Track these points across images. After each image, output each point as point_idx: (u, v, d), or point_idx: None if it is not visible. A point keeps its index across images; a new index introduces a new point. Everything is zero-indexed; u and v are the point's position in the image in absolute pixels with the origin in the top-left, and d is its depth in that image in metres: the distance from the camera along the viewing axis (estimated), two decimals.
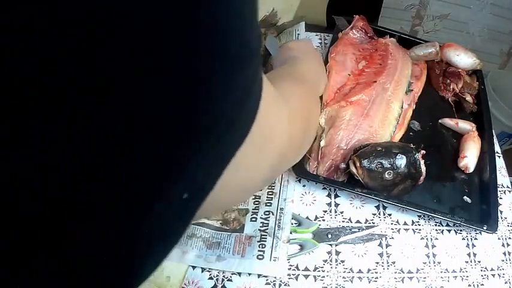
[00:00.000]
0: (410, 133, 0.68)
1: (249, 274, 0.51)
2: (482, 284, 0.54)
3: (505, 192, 0.64)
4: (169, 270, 0.51)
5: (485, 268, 0.55)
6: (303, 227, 0.56)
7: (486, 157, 0.65)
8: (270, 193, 0.58)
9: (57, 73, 0.14)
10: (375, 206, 0.59)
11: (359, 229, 0.56)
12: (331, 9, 0.97)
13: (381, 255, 0.55)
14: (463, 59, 0.76)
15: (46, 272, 0.17)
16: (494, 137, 0.69)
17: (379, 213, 0.59)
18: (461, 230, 0.58)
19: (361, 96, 0.66)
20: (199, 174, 0.20)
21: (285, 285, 0.51)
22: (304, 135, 0.40)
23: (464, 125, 0.69)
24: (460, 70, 0.76)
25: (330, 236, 0.55)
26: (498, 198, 0.60)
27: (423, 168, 0.57)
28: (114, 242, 0.19)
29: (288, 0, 0.91)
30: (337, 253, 0.54)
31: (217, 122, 0.19)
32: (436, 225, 0.59)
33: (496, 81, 1.35)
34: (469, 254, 0.56)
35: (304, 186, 0.60)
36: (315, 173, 0.59)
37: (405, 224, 0.58)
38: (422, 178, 0.57)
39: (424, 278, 0.53)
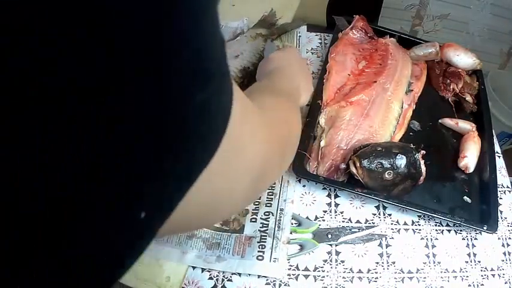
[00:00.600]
0: (410, 133, 0.68)
1: (249, 274, 0.51)
2: (482, 284, 0.54)
3: (505, 192, 0.64)
4: (169, 270, 0.51)
5: (485, 268, 0.55)
6: (303, 227, 0.56)
7: (486, 157, 0.65)
8: (270, 194, 0.58)
9: (57, 73, 0.14)
10: (375, 206, 0.59)
11: (359, 229, 0.56)
12: (331, 9, 0.97)
13: (380, 255, 0.55)
14: (463, 59, 0.76)
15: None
16: (494, 137, 0.70)
17: (379, 213, 0.59)
18: (461, 230, 0.58)
19: (361, 96, 0.66)
20: (159, 193, 0.19)
21: (285, 285, 0.51)
22: (286, 149, 0.39)
23: (464, 125, 0.69)
24: (460, 70, 0.76)
25: (330, 236, 0.55)
26: (498, 198, 0.60)
27: (423, 168, 0.57)
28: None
29: (288, 0, 0.91)
30: (337, 253, 0.54)
31: (176, 141, 0.18)
32: (436, 225, 0.59)
33: (496, 81, 1.35)
34: (469, 254, 0.56)
35: (304, 186, 0.60)
36: (315, 173, 0.59)
37: (405, 224, 0.58)
38: (422, 178, 0.57)
39: (424, 278, 0.53)
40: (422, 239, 0.57)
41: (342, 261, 0.54)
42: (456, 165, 0.65)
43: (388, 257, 0.55)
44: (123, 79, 0.15)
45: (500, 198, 0.62)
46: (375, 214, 0.59)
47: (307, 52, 0.80)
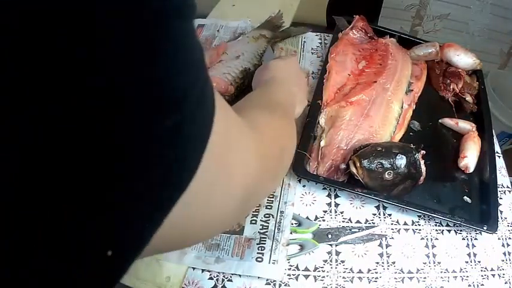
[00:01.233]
0: (410, 133, 0.68)
1: (249, 275, 0.51)
2: (482, 284, 0.54)
3: (505, 192, 0.64)
4: (169, 271, 0.51)
5: (485, 268, 0.55)
6: (303, 227, 0.56)
7: (486, 157, 0.65)
8: (270, 196, 0.58)
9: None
10: (375, 206, 0.59)
11: (359, 229, 0.56)
12: (331, 9, 0.97)
13: (381, 255, 0.55)
14: (463, 59, 0.76)
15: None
16: (494, 137, 0.70)
17: (379, 213, 0.59)
18: (461, 230, 0.58)
19: (361, 97, 0.66)
20: (129, 226, 0.19)
21: (285, 285, 0.51)
22: (278, 165, 0.39)
23: (464, 125, 0.69)
24: (460, 70, 0.76)
25: (330, 236, 0.55)
26: (498, 198, 0.60)
27: (423, 168, 0.57)
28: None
29: (288, 0, 0.91)
30: (337, 253, 0.54)
31: (146, 168, 0.18)
32: (436, 225, 0.59)
33: (496, 81, 1.35)
34: (469, 254, 0.56)
35: (304, 186, 0.60)
36: (315, 173, 0.59)
37: (405, 224, 0.58)
38: (422, 178, 0.57)
39: (424, 278, 0.53)
40: (422, 239, 0.57)
41: (342, 261, 0.54)
42: (456, 165, 0.65)
43: (388, 257, 0.55)
44: (86, 107, 0.16)
45: (500, 198, 0.62)
46: (375, 214, 0.59)
47: (307, 52, 0.81)
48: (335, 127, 0.63)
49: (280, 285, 0.51)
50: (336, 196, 0.60)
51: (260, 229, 0.55)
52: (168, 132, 0.18)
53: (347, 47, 0.76)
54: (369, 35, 0.80)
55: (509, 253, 0.57)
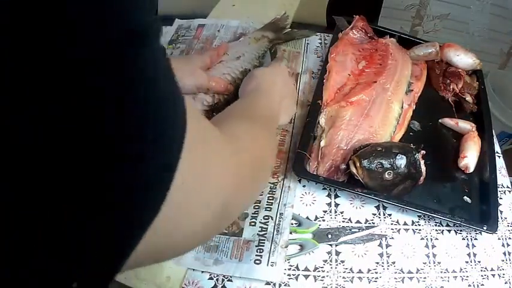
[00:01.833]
0: (410, 133, 0.68)
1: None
2: (482, 284, 0.54)
3: (505, 192, 0.64)
4: (169, 270, 0.51)
5: (485, 268, 0.55)
6: (303, 227, 0.56)
7: (486, 157, 0.65)
8: (270, 198, 0.58)
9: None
10: (375, 206, 0.59)
11: (359, 229, 0.56)
12: (331, 9, 0.97)
13: (381, 255, 0.55)
14: (463, 59, 0.76)
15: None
16: (494, 137, 0.70)
17: (379, 214, 0.59)
18: (461, 230, 0.58)
19: (361, 97, 0.66)
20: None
21: (285, 285, 0.51)
22: (256, 176, 0.38)
23: (464, 125, 0.69)
24: (460, 70, 0.76)
25: (330, 236, 0.55)
26: (498, 198, 0.60)
27: (423, 168, 0.57)
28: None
29: (288, 0, 0.91)
30: (337, 253, 0.54)
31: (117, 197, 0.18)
32: (436, 225, 0.59)
33: (496, 81, 1.35)
34: (469, 254, 0.56)
35: (304, 186, 0.60)
36: (315, 173, 0.59)
37: (405, 224, 0.58)
38: (422, 178, 0.57)
39: (424, 278, 0.53)
40: (422, 239, 0.57)
41: (342, 261, 0.54)
42: (456, 165, 0.65)
43: (388, 257, 0.55)
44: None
45: (500, 198, 0.62)
46: (375, 214, 0.59)
47: (310, 53, 0.81)
48: (335, 127, 0.63)
49: (280, 285, 0.51)
50: (336, 196, 0.60)
51: (259, 231, 0.54)
52: (132, 159, 0.19)
53: (347, 47, 0.76)
54: (369, 35, 0.80)
55: (509, 253, 0.57)
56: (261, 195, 0.58)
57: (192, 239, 0.28)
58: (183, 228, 0.24)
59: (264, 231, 0.54)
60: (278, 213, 0.56)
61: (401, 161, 0.55)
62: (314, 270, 0.53)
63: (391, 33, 0.81)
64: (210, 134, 0.28)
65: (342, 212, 0.58)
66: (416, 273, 0.54)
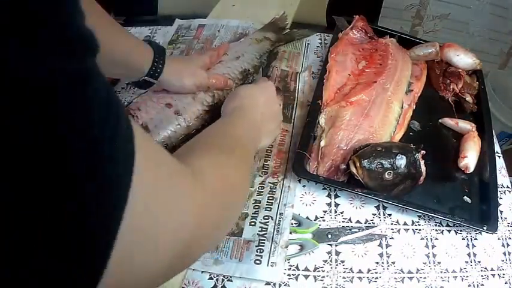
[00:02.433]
0: (410, 133, 0.68)
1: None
2: (482, 284, 0.54)
3: (505, 192, 0.64)
4: None
5: (485, 268, 0.55)
6: (303, 227, 0.56)
7: (486, 157, 0.65)
8: (270, 198, 0.58)
9: None
10: (375, 206, 0.59)
11: (359, 229, 0.56)
12: (331, 9, 0.97)
13: (381, 255, 0.55)
14: (463, 59, 0.76)
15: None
16: (494, 137, 0.70)
17: (379, 214, 0.59)
18: (461, 230, 0.58)
19: (361, 97, 0.66)
20: None
21: (285, 285, 0.51)
22: (224, 213, 0.36)
23: (464, 125, 0.69)
24: (460, 70, 0.76)
25: (330, 236, 0.55)
26: (498, 198, 0.60)
27: (423, 168, 0.57)
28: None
29: (288, 0, 0.91)
30: (337, 253, 0.54)
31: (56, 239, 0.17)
32: (436, 225, 0.59)
33: (496, 81, 1.35)
34: (469, 254, 0.56)
35: (304, 186, 0.60)
36: (315, 173, 0.59)
37: (405, 224, 0.58)
38: (422, 178, 0.57)
39: (424, 278, 0.53)
40: (422, 239, 0.57)
41: (342, 261, 0.54)
42: (456, 165, 0.65)
43: (388, 257, 0.55)
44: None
45: (500, 198, 0.62)
46: (374, 214, 0.59)
47: (311, 53, 0.81)
48: (335, 127, 0.63)
49: (280, 285, 0.51)
50: (336, 196, 0.60)
51: (259, 231, 0.54)
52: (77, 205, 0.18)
53: (347, 47, 0.76)
54: (369, 35, 0.80)
55: (509, 253, 0.57)
56: (261, 195, 0.58)
57: (152, 280, 0.26)
58: (138, 270, 0.23)
59: (264, 231, 0.54)
60: (278, 213, 0.56)
61: (401, 161, 0.55)
62: (314, 270, 0.53)
63: (391, 33, 0.81)
64: (168, 169, 0.26)
65: (342, 212, 0.58)
66: (416, 273, 0.54)
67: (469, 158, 0.64)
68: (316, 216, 0.57)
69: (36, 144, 0.16)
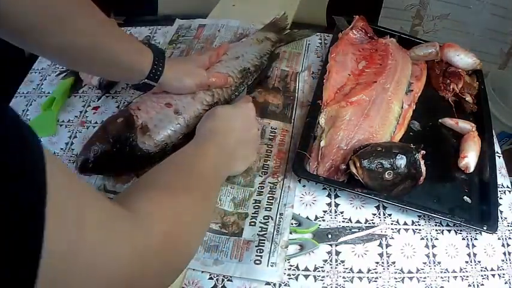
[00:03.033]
0: (410, 133, 0.68)
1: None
2: (482, 284, 0.54)
3: (505, 192, 0.64)
4: None
5: (485, 268, 0.55)
6: (303, 227, 0.56)
7: (486, 157, 0.65)
8: (270, 198, 0.58)
9: None
10: (375, 206, 0.59)
11: (359, 229, 0.56)
12: (331, 9, 0.97)
13: (380, 255, 0.55)
14: (463, 59, 0.76)
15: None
16: (494, 137, 0.69)
17: (379, 214, 0.59)
18: (461, 230, 0.58)
19: (361, 97, 0.66)
20: None
21: (285, 285, 0.51)
22: (170, 260, 0.34)
23: (464, 125, 0.69)
24: (460, 70, 0.76)
25: (330, 236, 0.55)
26: (498, 198, 0.60)
27: (423, 168, 0.57)
28: None
29: (288, 0, 0.91)
30: (337, 253, 0.54)
31: None
32: (436, 225, 0.59)
33: (496, 81, 1.35)
34: (469, 254, 0.56)
35: (304, 186, 0.60)
36: (315, 173, 0.59)
37: (405, 224, 0.58)
38: (422, 178, 0.57)
39: (424, 278, 0.53)
40: (422, 239, 0.57)
41: (342, 261, 0.54)
42: (456, 165, 0.65)
43: (388, 257, 0.55)
44: None
45: (500, 198, 0.62)
46: (375, 214, 0.59)
47: (311, 52, 0.81)
48: (335, 127, 0.63)
49: (280, 285, 0.51)
50: (336, 196, 0.60)
51: (259, 231, 0.54)
52: None
53: (347, 47, 0.76)
54: (369, 35, 0.80)
55: (509, 253, 0.57)
56: (261, 195, 0.58)
57: None
58: None
59: (264, 231, 0.54)
60: (278, 213, 0.56)
61: (401, 161, 0.55)
62: (314, 270, 0.53)
63: (391, 33, 0.81)
64: (105, 215, 0.26)
65: (342, 212, 0.58)
66: (416, 273, 0.54)
67: (469, 158, 0.64)
68: (316, 216, 0.57)
69: None
